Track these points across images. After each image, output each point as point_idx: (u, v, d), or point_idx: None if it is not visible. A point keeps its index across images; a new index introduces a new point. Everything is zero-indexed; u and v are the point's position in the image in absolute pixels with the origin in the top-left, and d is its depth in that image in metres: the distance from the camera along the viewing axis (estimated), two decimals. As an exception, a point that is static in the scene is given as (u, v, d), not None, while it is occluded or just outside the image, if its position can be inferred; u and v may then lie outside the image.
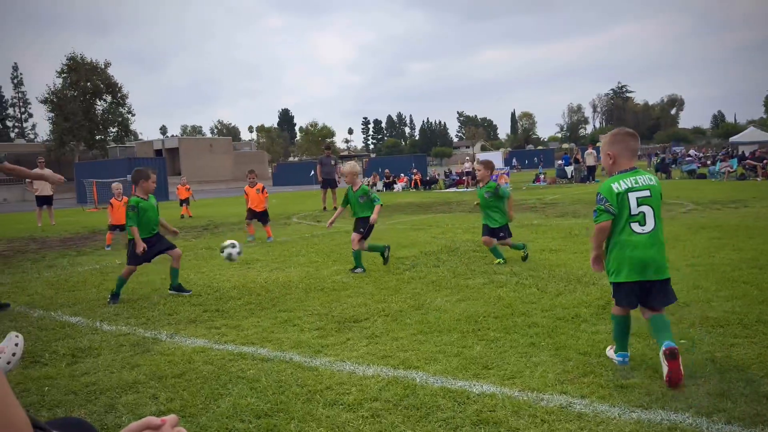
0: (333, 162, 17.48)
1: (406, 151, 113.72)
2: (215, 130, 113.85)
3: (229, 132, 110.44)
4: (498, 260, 6.70)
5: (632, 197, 3.13)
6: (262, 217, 10.35)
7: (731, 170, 23.41)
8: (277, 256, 8.19)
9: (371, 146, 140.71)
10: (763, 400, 2.65)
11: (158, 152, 53.80)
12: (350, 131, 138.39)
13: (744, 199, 13.38)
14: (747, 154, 29.72)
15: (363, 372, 3.36)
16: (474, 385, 3.05)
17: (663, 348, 2.87)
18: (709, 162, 30.13)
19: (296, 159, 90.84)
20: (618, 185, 3.16)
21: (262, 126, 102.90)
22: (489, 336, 3.88)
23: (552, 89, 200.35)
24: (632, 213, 3.12)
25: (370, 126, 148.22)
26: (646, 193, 3.15)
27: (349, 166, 7.31)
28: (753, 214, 10.31)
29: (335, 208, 16.01)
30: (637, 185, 3.16)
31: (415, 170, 32.76)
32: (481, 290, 5.33)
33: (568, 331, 3.89)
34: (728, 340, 3.51)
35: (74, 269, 8.06)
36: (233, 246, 6.21)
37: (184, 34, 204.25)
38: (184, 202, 17.08)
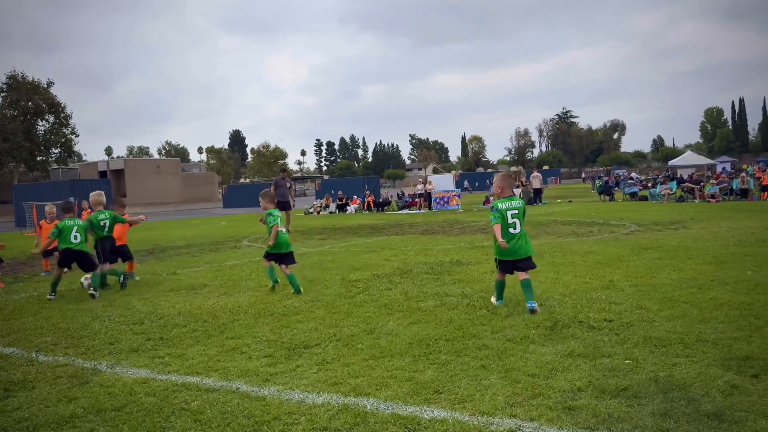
0: (288, 184, 17.52)
1: (359, 173, 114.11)
2: (163, 152, 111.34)
3: (177, 153, 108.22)
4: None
5: (509, 213, 5.33)
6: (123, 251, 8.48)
7: (671, 192, 24.42)
8: (226, 281, 8.00)
9: (324, 168, 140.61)
10: (704, 419, 2.72)
11: (103, 174, 52.16)
12: (303, 153, 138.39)
13: (683, 221, 13.96)
14: (685, 177, 31.14)
15: (312, 400, 3.28)
16: (425, 411, 3.02)
17: (528, 307, 5.03)
18: (650, 184, 31.34)
19: (248, 181, 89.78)
20: (503, 205, 5.36)
21: (212, 147, 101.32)
22: (440, 359, 3.87)
23: (500, 114, 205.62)
24: (508, 222, 5.32)
25: (323, 148, 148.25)
26: (516, 211, 5.38)
27: None
28: (691, 236, 10.75)
29: (288, 231, 16.30)
30: (512, 206, 5.38)
31: (368, 192, 32.83)
32: (433, 313, 5.34)
33: (517, 352, 3.92)
34: (670, 359, 3.60)
35: (9, 297, 7.65)
36: None
37: (132, 54, 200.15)
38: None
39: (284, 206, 17.19)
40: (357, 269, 8.40)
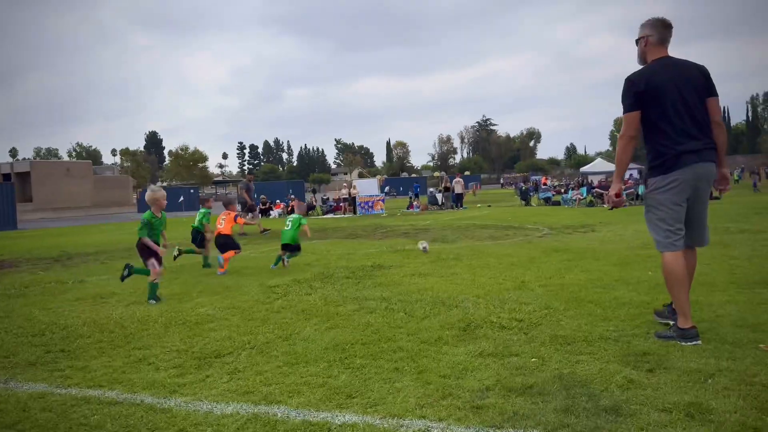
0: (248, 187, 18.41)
1: (283, 177, 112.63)
2: (73, 153, 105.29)
3: (89, 155, 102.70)
4: None
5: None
6: None
7: (581, 198, 25.70)
8: (136, 289, 7.64)
9: (246, 172, 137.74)
10: (602, 413, 2.85)
11: (6, 177, 48.75)
12: (225, 156, 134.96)
13: (592, 224, 14.71)
14: (595, 183, 32.85)
15: (221, 410, 3.18)
16: (336, 416, 3.00)
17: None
18: (562, 190, 32.83)
19: (165, 184, 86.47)
20: None
21: (127, 149, 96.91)
22: (355, 364, 3.86)
23: (424, 120, 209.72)
24: None
25: (246, 151, 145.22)
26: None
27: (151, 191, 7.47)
28: (599, 238, 11.34)
29: (267, 230, 16.32)
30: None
31: (292, 196, 32.47)
32: (351, 317, 5.32)
33: (430, 354, 3.97)
34: (574, 357, 3.76)
35: None
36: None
37: (39, 50, 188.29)
38: None
39: (251, 208, 18.18)
40: (277, 275, 8.26)
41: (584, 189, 27.98)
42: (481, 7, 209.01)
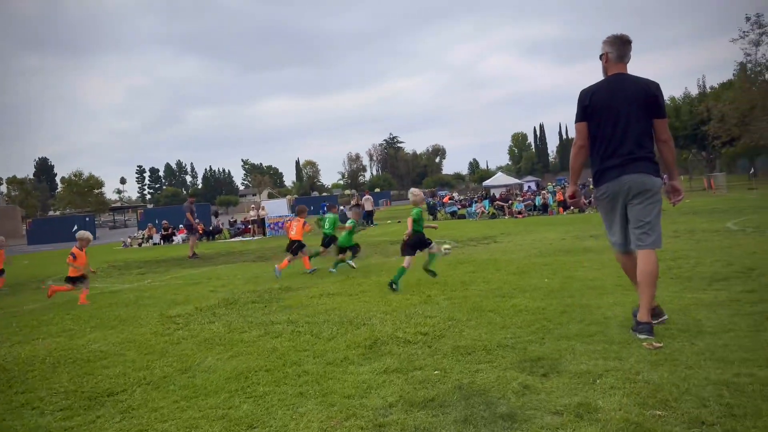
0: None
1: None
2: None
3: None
4: None
5: None
6: None
7: (484, 210, 26.68)
8: (23, 327, 7.06)
9: (148, 196, 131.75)
10: (499, 421, 2.94)
11: None
12: (123, 181, 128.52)
13: (494, 235, 15.29)
14: (497, 195, 34.22)
15: (111, 453, 2.98)
16: (237, 448, 2.89)
17: None
18: (467, 204, 33.93)
19: (57, 213, 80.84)
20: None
21: (14, 177, 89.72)
22: (258, 392, 3.75)
23: (333, 139, 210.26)
24: None
25: (146, 175, 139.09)
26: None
27: None
28: (501, 249, 11.80)
29: (194, 254, 16.50)
30: None
31: (197, 220, 31.33)
32: (256, 343, 5.18)
33: (336, 375, 3.94)
34: (473, 366, 3.87)
35: None
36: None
37: None
38: None
39: (195, 230, 18.36)
40: (178, 304, 7.92)
41: (486, 202, 29.07)
42: (382, 28, 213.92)
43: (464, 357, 4.10)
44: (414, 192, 8.06)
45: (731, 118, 40.03)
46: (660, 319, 4.49)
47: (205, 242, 25.60)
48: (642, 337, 4.16)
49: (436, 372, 3.79)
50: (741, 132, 39.96)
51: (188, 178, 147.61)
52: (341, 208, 42.75)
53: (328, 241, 11.10)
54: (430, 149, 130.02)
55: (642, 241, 4.34)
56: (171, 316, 6.96)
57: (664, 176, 4.72)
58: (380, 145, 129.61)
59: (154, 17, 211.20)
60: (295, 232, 10.66)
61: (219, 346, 5.23)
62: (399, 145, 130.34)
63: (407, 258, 7.55)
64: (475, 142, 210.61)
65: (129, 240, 29.15)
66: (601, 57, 4.61)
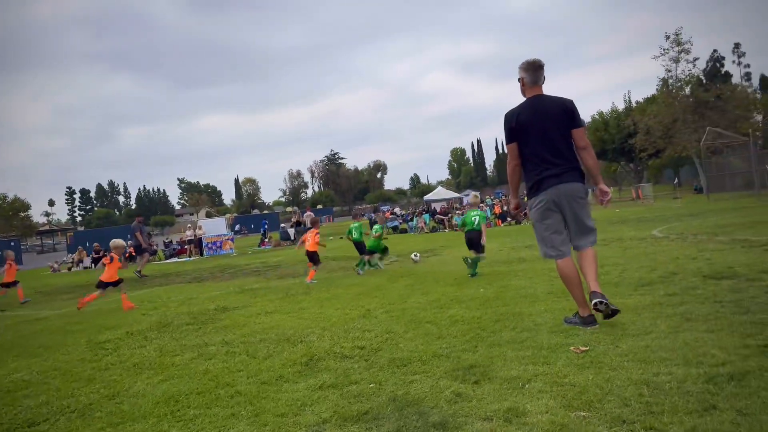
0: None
1: (121, 221, 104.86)
2: None
3: None
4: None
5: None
6: None
7: (425, 224, 27.00)
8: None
9: (79, 219, 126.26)
10: (431, 430, 2.96)
11: None
12: (51, 203, 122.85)
13: (435, 249, 15.50)
14: (437, 209, 34.72)
15: (26, 489, 2.81)
16: (163, 475, 2.78)
17: None
18: (408, 218, 34.28)
19: (-21, 238, 76.16)
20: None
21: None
22: (188, 415, 3.64)
23: (273, 155, 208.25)
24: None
25: (77, 196, 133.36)
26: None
27: None
28: (440, 261, 11.97)
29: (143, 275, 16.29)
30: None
31: (130, 242, 30.23)
32: (188, 366, 5.03)
33: (270, 394, 3.87)
34: (408, 377, 3.88)
35: None
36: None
37: None
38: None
39: (143, 250, 18.12)
40: (108, 328, 7.59)
41: (427, 216, 29.44)
42: (319, 44, 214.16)
43: (400, 369, 4.11)
44: (474, 194, 10.86)
45: (656, 131, 42.25)
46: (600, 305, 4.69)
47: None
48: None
49: (371, 385, 3.78)
50: (665, 144, 42.22)
51: (121, 199, 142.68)
52: (282, 225, 42.32)
53: (362, 246, 12.11)
54: (372, 165, 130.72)
55: (582, 242, 4.81)
56: (100, 341, 6.67)
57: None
58: (322, 161, 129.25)
59: (81, 33, 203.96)
60: (309, 243, 11.27)
61: (149, 370, 5.05)
62: (340, 161, 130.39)
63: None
64: (415, 157, 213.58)
65: (57, 264, 27.82)
66: (519, 80, 4.98)
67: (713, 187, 32.94)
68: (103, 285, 10.12)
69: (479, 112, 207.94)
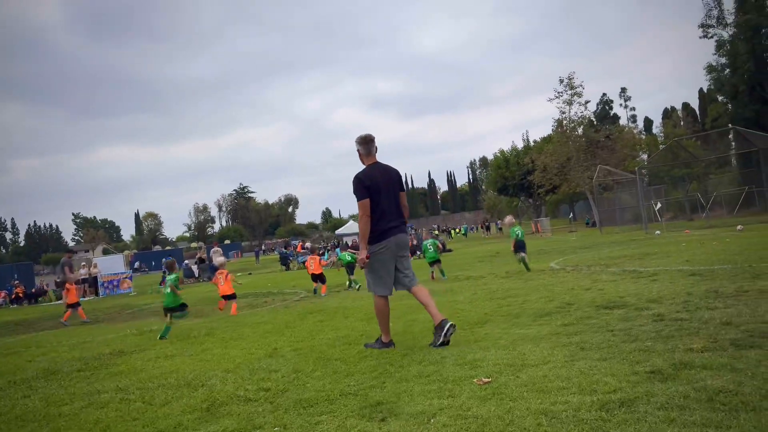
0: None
1: (7, 260, 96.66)
2: None
3: None
4: None
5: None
6: None
7: (336, 259, 26.90)
8: None
9: (66, 250, 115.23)
10: (336, 470, 2.91)
11: None
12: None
13: (344, 283, 15.44)
14: (349, 243, 34.78)
15: None
16: None
17: None
18: (320, 252, 34.08)
19: None
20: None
21: None
22: (74, 472, 3.35)
23: (178, 189, 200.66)
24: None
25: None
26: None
27: None
28: (351, 296, 11.94)
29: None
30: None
31: (17, 282, 27.90)
32: (78, 416, 4.66)
33: (167, 444, 3.65)
34: (315, 418, 3.80)
35: None
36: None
37: None
38: None
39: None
40: (-13, 379, 6.89)
41: (338, 249, 29.40)
42: (225, 76, 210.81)
43: (306, 410, 4.02)
44: (508, 218, 15.57)
45: (552, 169, 45.07)
46: (449, 325, 5.66)
47: (26, 306, 22.82)
48: (387, 348, 5.77)
49: (275, 429, 3.67)
50: (561, 181, 45.07)
51: (8, 236, 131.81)
52: (186, 262, 40.69)
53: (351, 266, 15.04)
54: (283, 199, 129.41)
55: (411, 282, 5.96)
56: (-25, 394, 6.03)
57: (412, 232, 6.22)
58: (230, 195, 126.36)
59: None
60: (314, 267, 13.50)
61: (33, 422, 4.63)
62: (250, 194, 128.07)
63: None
64: (327, 191, 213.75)
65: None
66: (357, 151, 6.04)
67: (605, 221, 35.38)
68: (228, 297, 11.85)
69: (388, 148, 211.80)
